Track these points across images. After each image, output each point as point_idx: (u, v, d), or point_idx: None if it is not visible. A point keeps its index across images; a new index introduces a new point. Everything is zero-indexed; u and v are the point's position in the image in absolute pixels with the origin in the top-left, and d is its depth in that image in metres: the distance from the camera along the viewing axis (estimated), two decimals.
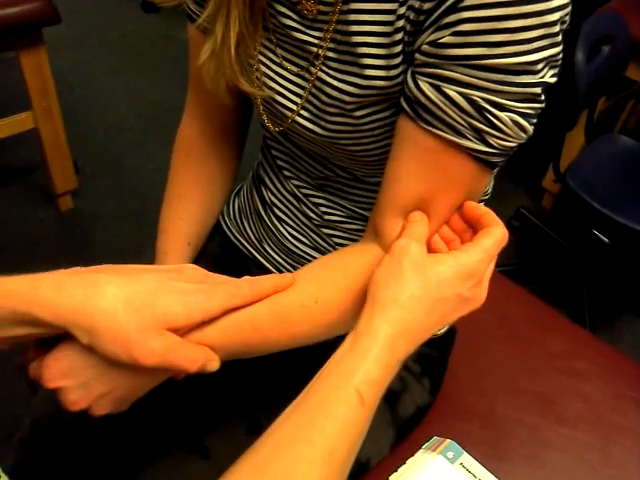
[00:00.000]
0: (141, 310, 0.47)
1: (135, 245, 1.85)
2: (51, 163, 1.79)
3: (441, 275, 0.49)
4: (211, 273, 0.54)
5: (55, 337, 0.49)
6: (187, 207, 0.75)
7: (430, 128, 0.50)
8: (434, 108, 0.49)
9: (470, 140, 0.49)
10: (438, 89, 0.48)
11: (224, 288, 0.52)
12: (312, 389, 0.46)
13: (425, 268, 0.50)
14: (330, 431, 0.43)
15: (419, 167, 0.52)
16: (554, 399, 0.83)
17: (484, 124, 0.48)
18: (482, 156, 0.51)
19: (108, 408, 0.51)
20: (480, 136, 0.49)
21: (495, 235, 0.52)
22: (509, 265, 1.85)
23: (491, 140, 0.49)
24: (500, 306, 0.96)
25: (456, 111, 0.48)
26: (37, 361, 0.50)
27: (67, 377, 0.48)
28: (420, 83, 0.49)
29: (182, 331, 0.49)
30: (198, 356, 0.50)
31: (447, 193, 0.53)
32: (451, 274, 0.49)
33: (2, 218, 1.91)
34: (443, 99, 0.48)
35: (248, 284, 0.53)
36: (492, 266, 0.53)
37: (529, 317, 0.96)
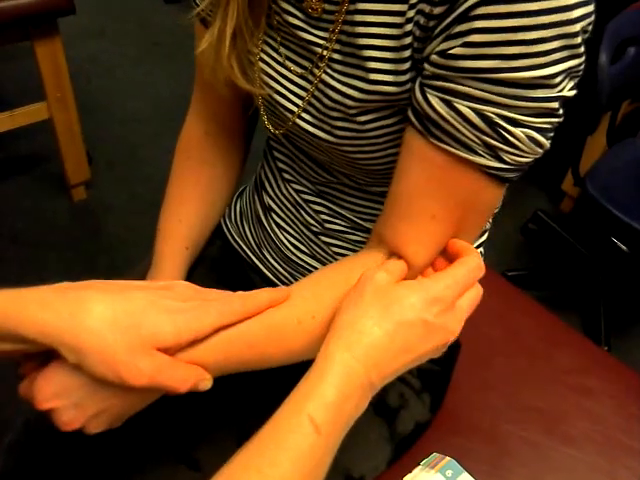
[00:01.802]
0: (129, 330, 0.46)
1: (147, 237, 1.83)
2: (65, 154, 1.80)
3: (403, 298, 0.47)
4: (203, 289, 0.53)
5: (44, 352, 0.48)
6: (186, 210, 0.74)
7: (440, 144, 0.48)
8: (444, 124, 0.46)
9: (483, 157, 0.47)
10: (449, 104, 0.46)
11: (215, 306, 0.50)
12: (272, 417, 0.44)
13: (387, 292, 0.48)
14: (280, 461, 0.41)
15: (428, 183, 0.50)
16: (561, 417, 0.80)
17: (497, 140, 0.46)
18: (495, 172, 0.48)
19: (102, 426, 0.50)
20: (493, 152, 0.47)
21: (468, 264, 0.50)
22: (522, 270, 1.82)
23: (505, 156, 0.47)
24: (507, 318, 0.93)
25: (468, 127, 0.46)
26: (27, 380, 0.50)
27: (59, 398, 0.47)
28: (429, 97, 0.47)
29: (172, 351, 0.48)
30: (189, 376, 0.48)
31: (457, 209, 0.51)
32: (414, 297, 0.47)
33: (15, 207, 1.92)
34: (454, 115, 0.46)
35: (240, 300, 0.51)
36: (470, 296, 0.50)
37: (537, 330, 0.93)
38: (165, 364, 0.47)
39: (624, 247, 1.62)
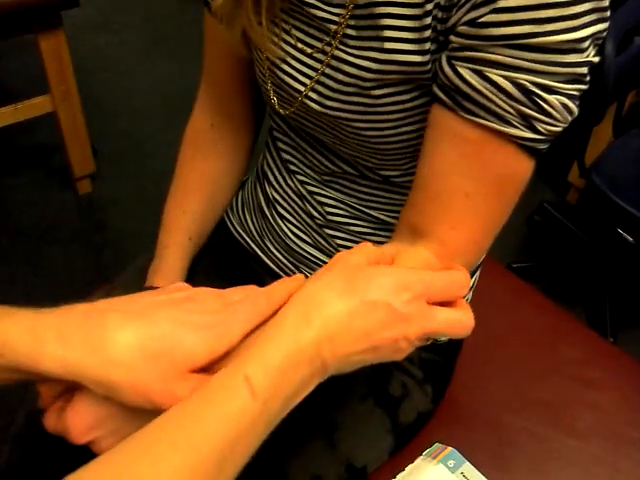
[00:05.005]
0: (160, 357, 0.42)
1: (152, 230, 1.84)
2: (69, 147, 1.80)
3: (372, 277, 0.44)
4: (225, 291, 0.50)
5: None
6: (191, 201, 0.74)
7: (472, 117, 0.47)
8: (477, 96, 0.46)
9: (517, 128, 0.46)
10: (481, 75, 0.45)
11: (242, 312, 0.47)
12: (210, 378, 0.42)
13: (356, 270, 0.45)
14: (204, 416, 0.38)
15: (459, 160, 0.49)
16: (564, 409, 0.80)
17: (533, 109, 0.45)
18: (529, 144, 0.47)
19: None
20: (528, 123, 0.46)
21: (451, 274, 0.47)
22: (527, 262, 1.81)
23: (539, 126, 0.46)
24: (511, 310, 0.93)
25: (502, 97, 0.45)
26: (52, 413, 0.47)
27: (95, 429, 0.46)
28: (460, 69, 0.46)
29: (206, 367, 0.46)
30: None
31: (491, 185, 0.49)
32: (383, 279, 0.44)
33: (21, 201, 1.92)
34: (488, 85, 0.45)
35: (266, 299, 0.48)
36: (450, 314, 0.46)
37: (541, 320, 0.92)
38: (200, 384, 0.44)
39: (630, 238, 1.61)
